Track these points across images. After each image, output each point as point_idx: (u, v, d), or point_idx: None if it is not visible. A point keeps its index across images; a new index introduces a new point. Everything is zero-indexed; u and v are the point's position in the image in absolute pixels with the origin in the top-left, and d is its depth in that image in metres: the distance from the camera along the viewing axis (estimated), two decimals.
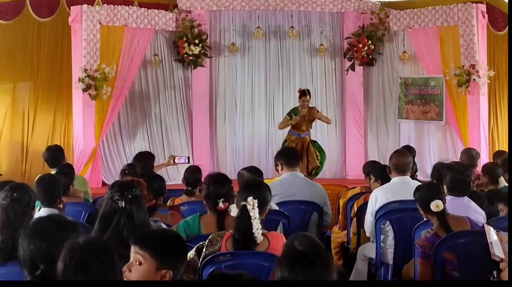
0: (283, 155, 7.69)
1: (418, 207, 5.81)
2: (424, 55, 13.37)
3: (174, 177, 12.68)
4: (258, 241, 4.73)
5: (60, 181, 6.50)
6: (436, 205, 5.49)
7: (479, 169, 9.02)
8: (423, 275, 5.44)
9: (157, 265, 3.57)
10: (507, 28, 13.45)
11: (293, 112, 11.89)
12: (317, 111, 12.13)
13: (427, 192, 5.71)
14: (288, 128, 12.01)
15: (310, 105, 12.00)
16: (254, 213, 4.73)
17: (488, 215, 6.33)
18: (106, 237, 4.65)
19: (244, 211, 4.76)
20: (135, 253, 3.63)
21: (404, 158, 7.22)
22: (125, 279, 3.61)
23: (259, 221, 4.75)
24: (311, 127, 12.09)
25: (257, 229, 4.71)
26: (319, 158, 11.93)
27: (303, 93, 11.87)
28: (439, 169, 7.27)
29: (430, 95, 13.07)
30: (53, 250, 3.53)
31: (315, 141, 12.20)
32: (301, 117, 11.77)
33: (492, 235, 5.04)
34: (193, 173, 7.82)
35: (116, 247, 4.46)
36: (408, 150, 8.10)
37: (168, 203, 7.41)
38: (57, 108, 13.36)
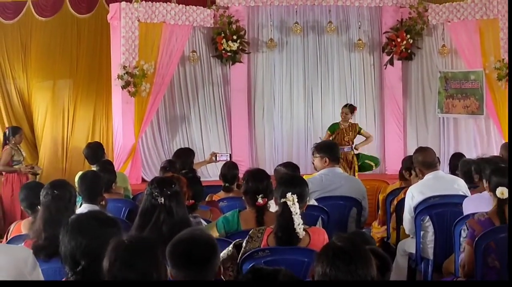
0: (330, 150, 7.62)
1: (487, 181, 5.74)
2: (464, 49, 13.24)
3: (214, 173, 12.73)
4: (300, 237, 4.73)
5: (103, 178, 6.55)
6: (501, 192, 5.39)
7: None
8: (468, 258, 5.36)
9: None
10: None
11: (332, 127, 11.91)
12: (360, 128, 12.05)
13: (501, 176, 5.59)
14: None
15: (353, 122, 12.01)
16: (295, 208, 4.72)
17: None
18: (146, 233, 4.69)
19: (284, 207, 4.76)
20: None
21: (428, 153, 7.21)
22: None
23: (300, 216, 4.74)
24: (353, 142, 12.02)
25: (299, 224, 4.71)
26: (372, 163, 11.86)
27: (344, 106, 11.93)
28: (478, 163, 7.20)
29: (470, 89, 12.95)
30: (94, 246, 3.55)
31: (359, 155, 12.06)
32: (343, 129, 11.79)
33: None
34: (229, 169, 7.83)
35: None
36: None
37: (206, 199, 7.43)
38: (96, 105, 13.49)
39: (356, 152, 11.91)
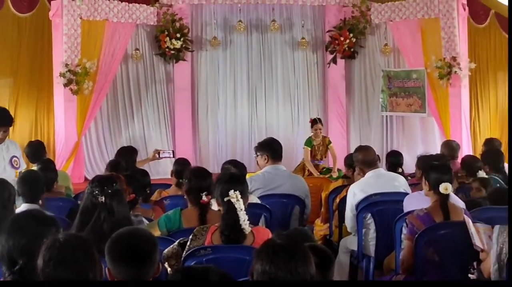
0: (269, 147, 7.58)
1: (424, 179, 5.80)
2: (406, 48, 13.41)
3: (157, 171, 12.67)
4: (247, 232, 4.73)
5: (44, 178, 6.47)
6: (445, 188, 5.45)
7: (460, 160, 9.04)
8: (407, 253, 5.42)
9: None
10: (487, 21, 13.63)
11: (308, 141, 12.13)
12: (330, 142, 12.26)
13: (440, 173, 5.66)
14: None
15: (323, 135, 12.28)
16: (239, 205, 4.73)
17: (470, 205, 6.34)
18: (86, 232, 4.65)
19: (229, 205, 4.76)
20: None
21: (368, 152, 7.32)
22: None
23: (245, 212, 4.75)
24: (325, 156, 12.23)
25: (244, 220, 4.72)
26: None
27: (314, 121, 12.03)
28: (421, 159, 7.35)
29: (413, 88, 13.09)
30: (32, 245, 3.50)
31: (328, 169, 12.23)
32: (315, 146, 12.06)
33: (471, 226, 5.09)
34: (184, 165, 7.75)
35: (95, 242, 4.48)
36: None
37: (155, 195, 7.39)
38: (38, 104, 13.29)
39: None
